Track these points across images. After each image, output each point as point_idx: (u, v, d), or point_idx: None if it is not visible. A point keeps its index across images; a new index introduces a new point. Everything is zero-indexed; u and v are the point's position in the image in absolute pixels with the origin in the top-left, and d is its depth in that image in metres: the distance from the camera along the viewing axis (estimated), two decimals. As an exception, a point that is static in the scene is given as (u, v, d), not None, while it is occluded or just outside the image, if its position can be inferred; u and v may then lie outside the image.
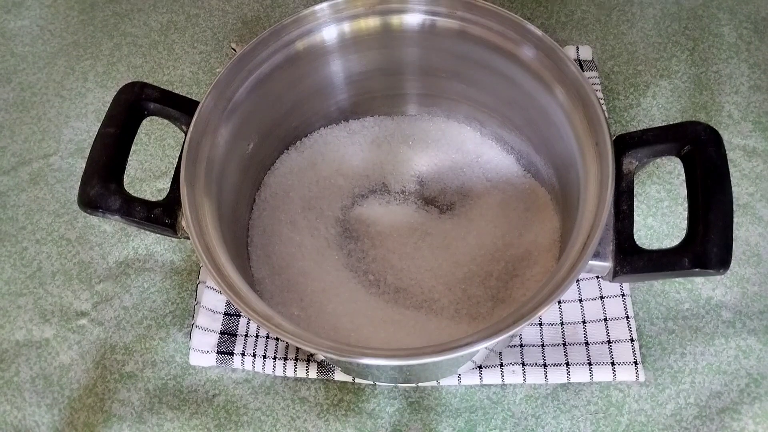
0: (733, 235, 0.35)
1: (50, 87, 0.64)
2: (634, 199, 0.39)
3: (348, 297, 0.49)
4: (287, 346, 0.49)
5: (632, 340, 0.48)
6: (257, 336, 0.49)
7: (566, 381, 0.47)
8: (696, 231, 0.36)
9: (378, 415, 0.47)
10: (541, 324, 0.49)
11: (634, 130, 0.41)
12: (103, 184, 0.39)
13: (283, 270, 0.50)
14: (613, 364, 0.47)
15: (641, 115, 0.59)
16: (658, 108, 0.59)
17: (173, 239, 0.52)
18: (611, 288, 0.50)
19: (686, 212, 0.37)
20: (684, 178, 0.38)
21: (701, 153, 0.37)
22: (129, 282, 0.53)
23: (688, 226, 0.36)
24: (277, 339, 0.49)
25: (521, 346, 0.49)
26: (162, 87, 0.43)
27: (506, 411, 0.47)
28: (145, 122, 0.43)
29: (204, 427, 0.47)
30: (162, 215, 0.40)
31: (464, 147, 0.55)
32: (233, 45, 0.64)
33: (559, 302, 0.50)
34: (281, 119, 0.51)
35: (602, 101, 0.58)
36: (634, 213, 0.39)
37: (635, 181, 0.40)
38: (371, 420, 0.47)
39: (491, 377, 0.47)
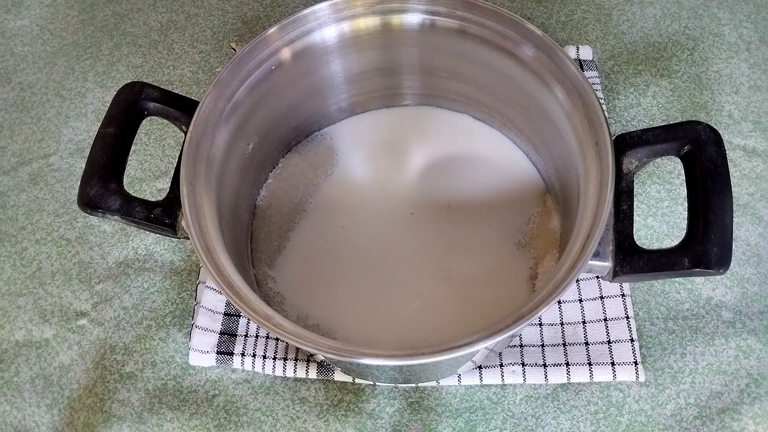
0: (733, 235, 0.35)
1: (50, 87, 0.64)
2: (634, 199, 0.39)
3: (350, 296, 0.49)
4: (287, 347, 0.49)
5: (632, 340, 0.48)
6: (257, 336, 0.49)
7: (566, 381, 0.47)
8: (696, 231, 0.36)
9: (378, 415, 0.47)
10: (541, 324, 0.49)
11: (634, 129, 0.41)
12: (103, 184, 0.39)
13: (286, 270, 0.50)
14: (613, 364, 0.47)
15: (641, 115, 0.59)
16: (658, 108, 0.59)
17: (173, 239, 0.52)
18: (611, 288, 0.50)
19: (686, 212, 0.37)
20: (684, 178, 0.38)
21: (701, 153, 0.37)
22: (129, 282, 0.53)
23: (688, 226, 0.36)
24: (276, 339, 0.49)
25: (521, 346, 0.48)
26: (162, 87, 0.43)
27: (506, 411, 0.47)
28: (144, 122, 0.43)
29: (204, 427, 0.47)
30: (162, 215, 0.40)
31: (464, 146, 0.55)
32: (233, 44, 0.64)
33: (559, 302, 0.50)
34: (281, 119, 0.51)
35: (602, 101, 0.58)
36: (634, 213, 0.39)
37: (635, 181, 0.40)
38: (371, 420, 0.47)
39: (491, 377, 0.47)
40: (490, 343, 0.34)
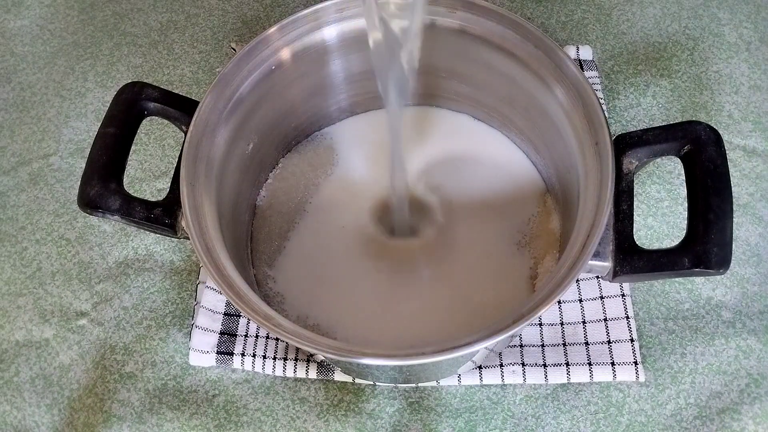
0: (733, 235, 0.35)
1: (50, 87, 0.64)
2: (634, 199, 0.39)
3: (350, 296, 0.49)
4: (287, 347, 0.49)
5: (632, 340, 0.48)
6: (257, 336, 0.49)
7: (566, 381, 0.47)
8: (696, 231, 0.36)
9: (378, 415, 0.47)
10: (541, 324, 0.49)
11: (634, 129, 0.41)
12: (103, 184, 0.39)
13: (286, 270, 0.50)
14: (613, 364, 0.47)
15: (641, 115, 0.59)
16: (658, 108, 0.59)
17: (173, 239, 0.52)
18: (611, 288, 0.50)
19: (686, 212, 0.37)
20: (684, 178, 0.38)
21: (701, 153, 0.37)
22: (129, 282, 0.53)
23: (688, 226, 0.36)
24: (276, 339, 0.49)
25: (521, 346, 0.49)
26: (162, 87, 0.43)
27: (506, 411, 0.47)
28: (144, 122, 0.43)
29: (204, 427, 0.47)
30: (162, 215, 0.40)
31: (464, 146, 0.55)
32: (233, 44, 0.64)
33: (559, 302, 0.50)
34: (281, 119, 0.51)
35: (602, 101, 0.58)
36: (634, 213, 0.39)
37: (635, 181, 0.40)
38: (371, 420, 0.47)
39: (491, 377, 0.47)
40: (490, 343, 0.34)
